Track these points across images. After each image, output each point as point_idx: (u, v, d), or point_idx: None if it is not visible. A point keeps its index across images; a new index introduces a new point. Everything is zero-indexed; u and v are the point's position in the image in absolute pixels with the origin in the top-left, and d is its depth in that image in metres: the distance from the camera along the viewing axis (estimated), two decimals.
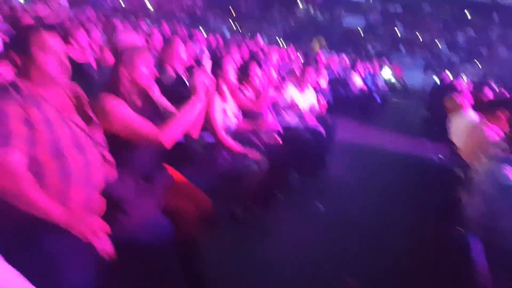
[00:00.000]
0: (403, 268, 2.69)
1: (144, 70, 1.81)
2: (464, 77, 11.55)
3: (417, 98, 13.33)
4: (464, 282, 1.60)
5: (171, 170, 2.07)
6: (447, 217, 2.80)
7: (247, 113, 3.22)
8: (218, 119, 2.75)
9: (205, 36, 10.98)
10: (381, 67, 10.97)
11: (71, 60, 1.58)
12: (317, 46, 20.82)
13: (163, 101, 2.05)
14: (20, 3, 8.84)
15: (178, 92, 2.78)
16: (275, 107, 3.96)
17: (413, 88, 14.86)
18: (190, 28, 17.95)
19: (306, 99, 4.33)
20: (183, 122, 1.79)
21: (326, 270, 2.50)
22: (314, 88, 4.71)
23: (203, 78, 1.78)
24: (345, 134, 5.92)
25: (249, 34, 21.91)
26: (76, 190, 1.43)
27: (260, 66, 3.45)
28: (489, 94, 3.86)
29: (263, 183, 2.85)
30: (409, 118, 9.61)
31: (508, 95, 5.30)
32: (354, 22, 23.21)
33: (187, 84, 3.22)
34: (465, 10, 22.40)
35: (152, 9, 25.02)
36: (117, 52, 1.85)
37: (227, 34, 18.95)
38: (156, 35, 4.18)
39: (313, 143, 3.90)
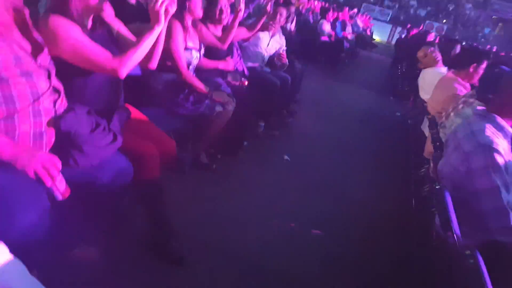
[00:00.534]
0: (370, 221, 2.75)
1: None
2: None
3: (383, 49, 13.48)
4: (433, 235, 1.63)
5: (131, 108, 1.89)
6: (414, 170, 2.89)
7: (211, 50, 3.00)
8: (180, 52, 2.52)
9: None
10: (350, 16, 10.75)
11: None
12: None
13: (118, 25, 1.81)
14: None
15: (136, 16, 2.52)
16: (241, 47, 3.75)
17: (379, 39, 14.89)
18: None
19: (274, 40, 4.12)
20: (141, 52, 1.60)
21: (291, 221, 2.49)
22: (283, 29, 4.48)
23: (164, 1, 1.55)
24: (311, 83, 5.88)
25: None
26: (23, 120, 1.27)
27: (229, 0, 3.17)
28: (458, 50, 3.85)
29: (228, 128, 2.72)
30: (374, 71, 9.72)
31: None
32: None
33: (145, 7, 2.93)
34: None
35: None
36: None
37: None
38: None
39: (280, 88, 3.79)
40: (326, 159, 3.70)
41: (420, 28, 14.66)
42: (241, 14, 2.79)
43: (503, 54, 10.79)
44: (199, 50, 2.74)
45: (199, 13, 2.61)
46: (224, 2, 2.96)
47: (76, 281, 1.49)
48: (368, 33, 13.80)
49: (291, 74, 4.27)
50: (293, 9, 4.91)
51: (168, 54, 2.43)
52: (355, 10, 14.82)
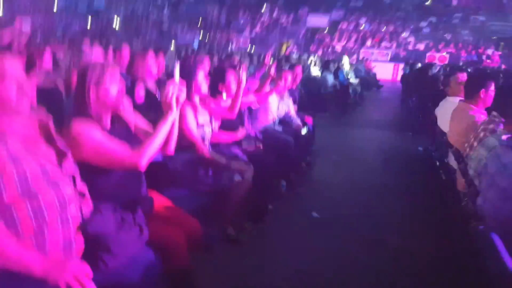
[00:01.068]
0: (417, 269, 2.58)
1: (113, 88, 1.68)
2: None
3: (389, 88, 13.64)
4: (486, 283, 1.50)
5: (153, 194, 1.93)
6: (451, 211, 2.75)
7: (223, 122, 3.10)
8: (194, 130, 2.62)
9: (173, 48, 10.86)
10: (350, 63, 11.10)
11: (36, 86, 1.45)
12: (284, 47, 21.07)
13: (135, 118, 1.92)
14: None
15: (150, 107, 2.67)
16: (251, 113, 3.86)
17: (383, 79, 15.12)
18: (158, 42, 17.87)
19: (283, 103, 4.25)
20: (158, 141, 1.68)
21: (329, 277, 2.37)
22: (289, 89, 4.63)
23: (175, 91, 1.65)
24: (324, 133, 5.91)
25: (217, 42, 22.02)
26: (52, 231, 1.29)
27: (232, 72, 3.35)
28: (464, 77, 3.86)
29: (251, 195, 2.71)
30: (385, 110, 9.75)
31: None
32: (317, 21, 23.52)
33: (158, 98, 3.10)
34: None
35: (118, 28, 24.77)
36: (84, 71, 1.70)
37: (196, 44, 18.90)
38: (124, 50, 4.02)
39: (295, 145, 3.82)
40: (356, 208, 3.58)
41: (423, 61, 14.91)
42: (243, 85, 2.92)
43: None
44: (211, 125, 2.84)
45: (205, 90, 2.76)
46: (228, 76, 3.12)
47: None
48: (372, 75, 14.11)
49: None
50: (299, 69, 5.10)
51: (182, 134, 2.52)
52: (354, 57, 15.32)
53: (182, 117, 2.51)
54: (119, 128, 1.78)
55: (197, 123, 2.70)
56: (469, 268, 2.10)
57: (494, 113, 2.38)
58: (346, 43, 21.21)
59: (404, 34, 21.01)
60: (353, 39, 21.48)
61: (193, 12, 26.18)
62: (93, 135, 1.58)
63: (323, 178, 4.34)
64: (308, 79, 7.93)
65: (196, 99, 2.74)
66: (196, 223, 1.94)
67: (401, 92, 10.65)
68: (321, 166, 4.64)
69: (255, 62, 8.62)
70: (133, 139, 1.79)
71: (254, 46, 21.64)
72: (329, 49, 20.66)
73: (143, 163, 1.62)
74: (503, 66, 12.96)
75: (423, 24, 21.61)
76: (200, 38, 22.30)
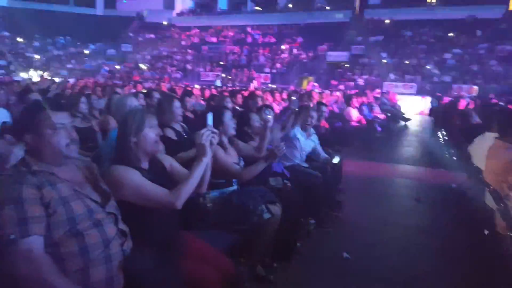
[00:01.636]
0: None
1: (151, 134, 1.81)
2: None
3: (417, 121, 13.41)
4: None
5: (187, 235, 1.99)
6: (492, 255, 2.58)
7: (251, 161, 3.12)
8: (227, 161, 2.71)
9: (198, 87, 11.24)
10: (375, 97, 11.06)
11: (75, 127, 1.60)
12: (305, 82, 21.38)
13: (169, 160, 2.03)
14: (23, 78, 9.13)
15: (182, 147, 2.80)
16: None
17: (410, 112, 14.91)
18: (183, 82, 18.60)
19: (309, 137, 4.25)
20: (194, 182, 1.76)
21: None
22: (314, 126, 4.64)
23: (209, 136, 1.77)
24: (352, 169, 5.80)
25: (240, 80, 22.69)
26: (96, 268, 1.39)
27: (256, 114, 3.43)
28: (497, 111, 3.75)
29: (280, 233, 2.70)
30: (414, 144, 9.51)
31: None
32: (337, 56, 23.90)
33: (187, 137, 3.19)
34: (448, 31, 23.13)
35: (146, 69, 26.13)
36: (125, 118, 1.85)
37: (219, 83, 19.53)
38: (155, 95, 4.25)
39: (323, 182, 3.76)
40: (388, 250, 3.44)
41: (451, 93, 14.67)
42: (269, 125, 2.97)
43: None
44: (239, 163, 2.90)
45: (232, 132, 2.87)
46: (253, 118, 3.20)
47: None
48: (398, 108, 13.97)
49: (330, 165, 4.28)
50: (324, 108, 5.15)
51: (216, 171, 2.55)
52: (378, 90, 15.28)
53: (214, 157, 2.57)
54: (156, 169, 1.88)
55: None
56: None
57: None
58: (368, 77, 21.27)
59: (429, 67, 20.88)
60: (375, 72, 21.55)
61: (216, 51, 27.41)
62: (133, 178, 1.69)
63: (353, 216, 4.21)
64: (332, 114, 7.93)
65: (224, 139, 2.80)
66: (228, 261, 1.97)
67: (431, 126, 10.43)
68: (349, 204, 4.52)
69: (278, 99, 8.76)
70: (169, 179, 1.89)
71: (275, 82, 22.10)
72: (352, 83, 20.74)
73: (180, 203, 1.70)
74: None
75: (447, 55, 21.50)
76: (222, 76, 23.15)
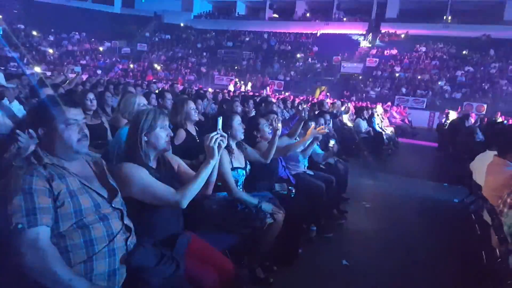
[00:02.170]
0: None
1: (162, 134, 1.87)
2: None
3: (425, 136, 13.39)
4: None
5: (190, 234, 2.03)
6: (486, 268, 2.65)
7: (258, 166, 3.22)
8: (228, 172, 2.75)
9: (212, 91, 11.39)
10: (385, 110, 11.11)
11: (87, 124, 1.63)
12: (318, 92, 21.44)
13: (177, 160, 2.08)
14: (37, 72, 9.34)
15: (192, 149, 2.89)
16: (285, 158, 3.96)
17: (418, 127, 14.89)
18: (197, 85, 18.76)
19: (315, 147, 4.35)
20: (200, 183, 1.81)
21: None
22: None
23: (218, 139, 1.81)
24: (357, 179, 5.87)
25: (253, 86, 22.81)
26: (100, 261, 1.43)
27: (265, 119, 3.51)
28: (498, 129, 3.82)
29: (281, 238, 2.76)
30: (420, 159, 9.53)
31: None
32: (351, 68, 23.92)
33: (198, 140, 3.30)
34: (462, 49, 23.03)
35: (160, 69, 26.39)
36: (137, 117, 1.90)
37: (232, 88, 19.69)
38: (167, 96, 4.34)
39: (326, 190, 3.85)
40: (387, 260, 3.49)
41: (458, 110, 14.64)
42: (278, 133, 3.04)
43: None
44: (245, 168, 2.97)
45: (241, 136, 2.92)
46: (262, 123, 3.29)
47: None
48: (407, 122, 13.99)
49: (336, 174, 4.37)
50: (328, 116, 5.24)
51: (218, 176, 2.66)
52: (389, 103, 15.30)
53: (220, 161, 2.67)
54: (164, 168, 1.94)
55: (232, 166, 2.84)
56: None
57: None
58: (380, 90, 21.27)
59: (440, 83, 20.82)
60: (387, 85, 21.54)
61: (231, 56, 27.57)
62: (142, 176, 1.74)
63: (355, 225, 4.28)
64: (341, 125, 8.02)
65: (233, 143, 2.90)
66: (228, 263, 2.01)
67: (438, 141, 10.45)
68: (353, 213, 4.59)
69: (289, 106, 8.87)
70: (176, 178, 1.94)
71: (288, 89, 22.19)
72: (363, 95, 20.76)
73: (185, 203, 1.75)
74: None
75: (459, 73, 21.43)
76: (236, 81, 23.27)
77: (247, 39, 30.22)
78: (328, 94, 20.14)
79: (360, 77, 23.15)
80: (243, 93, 13.40)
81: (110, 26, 30.74)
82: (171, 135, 1.94)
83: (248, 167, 3.07)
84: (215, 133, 1.81)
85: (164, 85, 15.74)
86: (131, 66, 27.54)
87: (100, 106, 4.28)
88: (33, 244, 1.29)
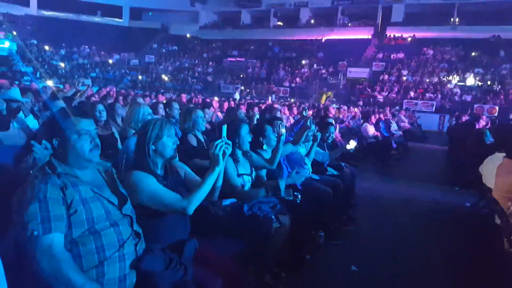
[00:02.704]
0: None
1: (169, 143, 1.93)
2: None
3: (435, 139, 13.26)
4: None
5: (197, 240, 2.05)
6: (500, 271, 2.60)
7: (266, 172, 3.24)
8: (234, 179, 2.79)
9: (217, 100, 11.49)
10: (393, 114, 11.04)
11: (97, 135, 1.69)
12: (324, 98, 21.42)
13: (184, 168, 2.14)
14: (46, 86, 9.54)
15: (199, 156, 2.96)
16: (290, 163, 3.96)
17: (428, 131, 14.75)
18: (204, 94, 18.93)
19: (321, 152, 4.35)
20: (206, 190, 1.86)
21: None
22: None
23: (223, 147, 1.86)
24: (365, 184, 5.83)
25: (258, 94, 22.91)
26: (111, 266, 1.48)
27: (271, 125, 3.54)
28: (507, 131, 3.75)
29: (288, 245, 2.76)
30: (430, 163, 9.43)
31: None
32: (358, 72, 23.88)
33: (206, 147, 3.34)
34: (470, 50, 22.84)
35: (168, 80, 26.73)
36: (144, 127, 1.97)
37: (237, 96, 19.80)
38: (174, 106, 4.43)
39: (334, 196, 3.83)
40: (397, 265, 3.44)
41: (468, 112, 14.48)
42: (283, 138, 3.07)
43: None
44: (251, 175, 2.99)
45: (247, 146, 2.98)
46: (268, 130, 3.32)
47: None
48: (416, 125, 13.87)
49: (343, 179, 4.35)
50: (332, 129, 5.24)
51: (224, 183, 2.67)
52: (397, 107, 15.20)
53: (225, 167, 2.69)
54: (171, 176, 2.00)
55: (238, 173, 2.87)
56: None
57: None
58: (388, 94, 21.16)
59: (450, 85, 20.63)
60: (395, 89, 21.41)
61: (236, 64, 27.80)
62: (149, 184, 1.80)
63: (364, 231, 4.24)
64: (348, 130, 8.00)
65: (239, 151, 2.94)
66: (235, 269, 2.04)
67: (448, 145, 10.33)
68: (362, 219, 4.54)
69: (295, 112, 8.89)
70: (183, 185, 2.00)
71: (294, 96, 22.21)
72: (371, 100, 20.66)
73: (192, 209, 1.80)
74: None
75: (469, 75, 21.22)
76: (241, 89, 23.42)
77: (252, 47, 30.47)
78: (334, 99, 20.08)
79: (366, 81, 23.08)
80: (248, 100, 13.48)
81: (119, 38, 31.40)
82: (178, 143, 2.00)
83: (254, 173, 3.09)
84: (220, 140, 1.86)
85: (171, 95, 15.92)
86: (140, 77, 27.96)
87: (111, 117, 4.37)
88: (48, 251, 1.35)
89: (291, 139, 4.18)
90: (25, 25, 29.66)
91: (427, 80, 21.46)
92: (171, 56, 31.69)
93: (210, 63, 29.65)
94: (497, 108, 17.32)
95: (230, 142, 1.91)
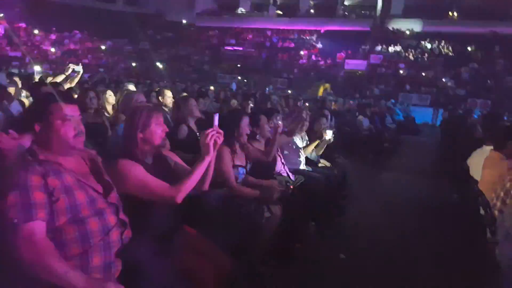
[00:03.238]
0: None
1: (157, 131, 1.89)
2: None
3: (428, 133, 13.36)
4: None
5: (188, 229, 2.07)
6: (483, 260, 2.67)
7: (259, 163, 3.26)
8: (229, 170, 2.79)
9: (213, 89, 11.45)
10: (388, 107, 11.09)
11: (85, 123, 1.66)
12: (321, 89, 21.35)
13: (174, 157, 2.10)
14: (37, 71, 9.38)
15: (191, 145, 2.91)
16: (284, 154, 4.00)
17: (423, 124, 14.83)
18: (199, 83, 18.78)
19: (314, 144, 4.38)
20: (195, 179, 1.82)
21: None
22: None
23: (214, 136, 1.80)
24: (357, 176, 5.88)
25: (255, 85, 22.78)
26: (95, 254, 1.46)
27: (268, 116, 3.54)
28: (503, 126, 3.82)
29: (279, 233, 2.79)
30: (422, 155, 9.51)
31: None
32: (355, 65, 23.80)
33: (198, 136, 3.34)
34: (466, 45, 22.87)
35: (163, 68, 26.41)
36: (132, 115, 1.92)
37: (234, 87, 19.69)
38: (167, 94, 4.39)
39: (325, 185, 3.88)
40: (386, 257, 3.49)
41: (462, 106, 14.57)
42: (280, 130, 3.08)
43: None
44: (245, 166, 3.01)
45: (245, 138, 2.98)
46: (263, 121, 3.34)
47: None
48: (410, 118, 13.94)
49: (335, 170, 4.40)
50: (325, 121, 5.26)
51: (219, 173, 2.67)
52: (392, 100, 15.23)
53: (221, 157, 2.70)
54: (160, 165, 1.96)
55: (233, 164, 2.88)
56: None
57: None
58: (384, 87, 21.18)
59: (445, 80, 20.69)
60: (391, 83, 21.43)
61: (234, 53, 27.54)
62: (137, 172, 1.77)
63: (354, 221, 4.30)
64: (342, 122, 8.02)
65: (237, 145, 2.94)
66: (226, 258, 2.02)
67: (440, 138, 10.41)
68: (352, 210, 4.60)
69: (291, 104, 8.88)
70: (172, 174, 1.95)
71: (291, 87, 22.13)
72: (367, 92, 20.67)
73: (180, 198, 1.76)
74: None
75: (464, 69, 21.28)
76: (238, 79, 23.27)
77: (250, 36, 30.14)
78: (331, 91, 20.05)
79: (364, 74, 23.04)
80: (245, 90, 13.43)
81: (112, 24, 30.43)
82: (167, 131, 1.95)
83: (249, 165, 3.11)
84: (211, 129, 1.81)
85: (166, 83, 15.77)
86: (134, 64, 27.54)
87: (102, 104, 4.31)
88: (29, 239, 1.31)
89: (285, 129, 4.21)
90: (13, 7, 28.63)
91: (423, 74, 21.48)
92: (166, 43, 31.20)
93: (207, 51, 29.30)
94: (489, 102, 17.45)
95: (222, 132, 1.86)
